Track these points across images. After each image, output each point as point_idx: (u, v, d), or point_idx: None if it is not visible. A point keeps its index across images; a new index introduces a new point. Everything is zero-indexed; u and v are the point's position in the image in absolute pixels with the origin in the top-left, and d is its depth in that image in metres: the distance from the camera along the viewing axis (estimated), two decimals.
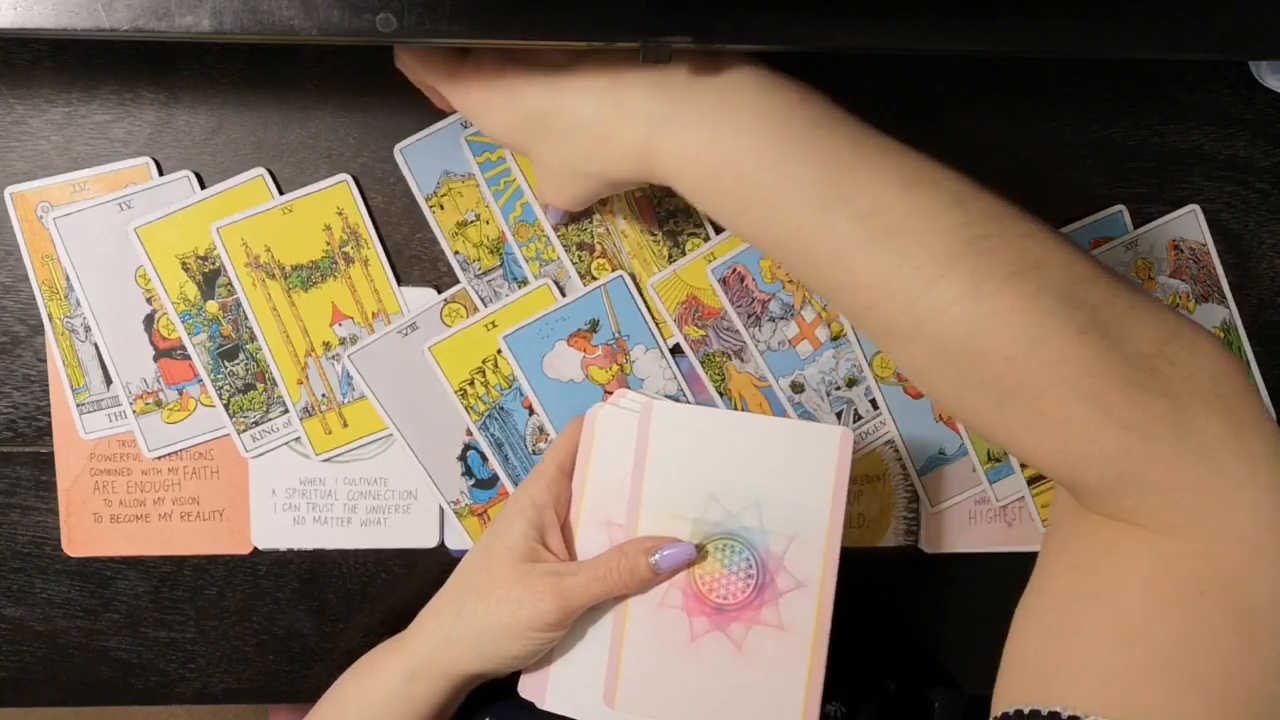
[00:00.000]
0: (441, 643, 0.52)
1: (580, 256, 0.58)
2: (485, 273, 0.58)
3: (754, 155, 0.43)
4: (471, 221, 0.57)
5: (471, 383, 0.58)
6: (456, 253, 0.58)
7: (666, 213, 0.58)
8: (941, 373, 0.42)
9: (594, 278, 0.58)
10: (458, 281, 0.58)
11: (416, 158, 0.57)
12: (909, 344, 0.42)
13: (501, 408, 0.59)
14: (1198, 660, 0.37)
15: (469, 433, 0.59)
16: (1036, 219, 0.42)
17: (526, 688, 0.53)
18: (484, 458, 0.59)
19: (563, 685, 0.52)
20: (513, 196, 0.57)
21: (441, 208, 0.57)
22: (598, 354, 0.58)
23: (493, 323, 0.58)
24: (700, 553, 0.51)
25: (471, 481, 0.59)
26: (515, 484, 0.59)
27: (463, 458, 0.59)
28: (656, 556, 0.51)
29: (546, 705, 0.52)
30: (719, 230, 0.59)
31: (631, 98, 0.44)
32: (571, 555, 0.53)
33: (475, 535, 0.60)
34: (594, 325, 0.58)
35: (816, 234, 0.42)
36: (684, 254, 0.58)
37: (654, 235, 0.58)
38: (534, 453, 0.59)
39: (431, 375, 0.58)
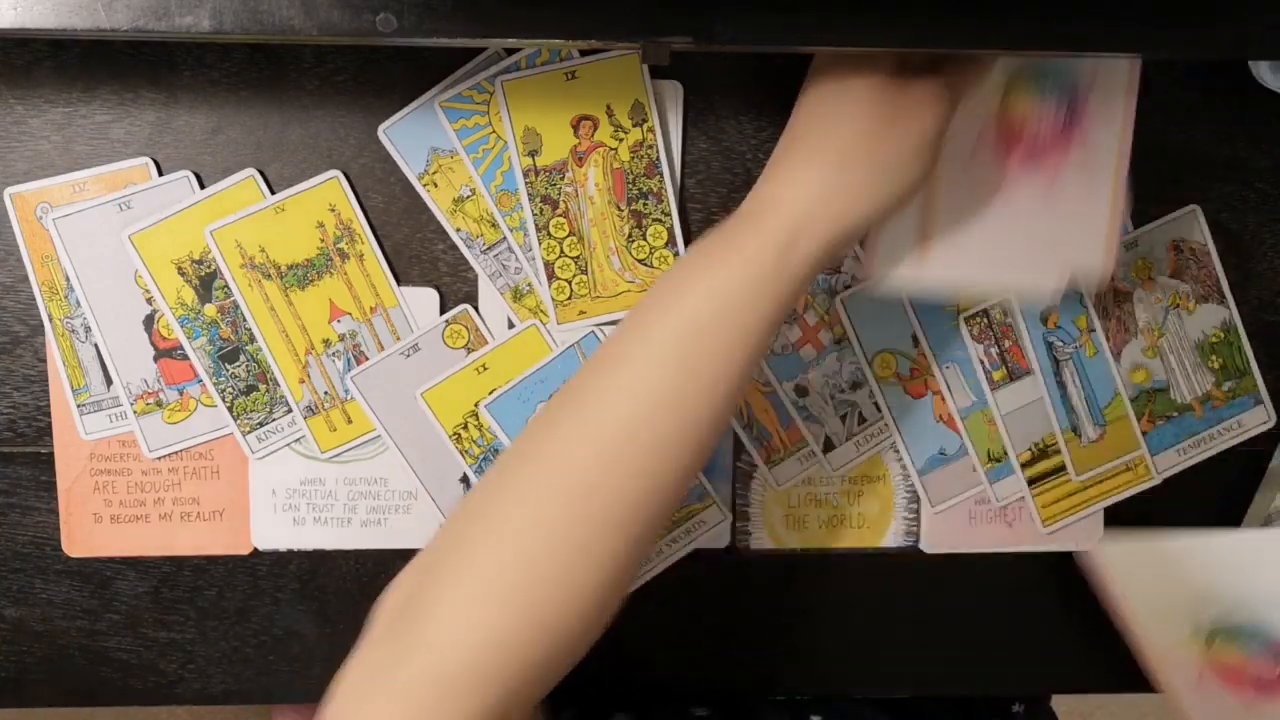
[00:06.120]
0: (821, 194, 0.44)
1: (542, 209, 0.57)
2: (490, 247, 0.57)
3: None
4: (468, 197, 0.57)
5: (465, 426, 0.58)
6: (458, 230, 0.57)
7: (638, 192, 0.57)
8: None
9: (550, 235, 0.57)
10: (459, 283, 0.58)
11: (401, 136, 0.56)
12: None
13: (496, 450, 0.58)
14: None
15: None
16: None
17: (885, 275, 0.54)
18: None
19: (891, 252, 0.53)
20: (492, 165, 0.56)
21: (435, 185, 0.57)
22: None
23: (483, 365, 0.58)
24: (1009, 87, 0.52)
25: None
26: None
27: (464, 480, 0.59)
28: None
29: (932, 273, 0.53)
30: (684, 220, 0.58)
31: None
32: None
33: None
34: None
35: None
36: (644, 237, 0.57)
37: (619, 209, 0.57)
38: None
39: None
